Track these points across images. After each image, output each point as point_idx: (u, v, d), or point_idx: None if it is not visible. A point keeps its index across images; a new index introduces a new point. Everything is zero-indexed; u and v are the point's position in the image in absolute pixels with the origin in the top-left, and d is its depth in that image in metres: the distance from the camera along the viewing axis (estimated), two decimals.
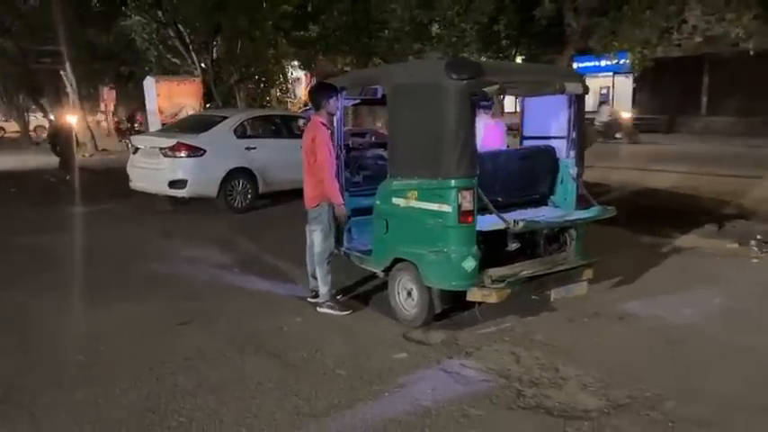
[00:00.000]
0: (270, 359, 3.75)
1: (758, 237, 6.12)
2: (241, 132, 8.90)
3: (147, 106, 21.67)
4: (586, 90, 4.31)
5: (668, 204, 8.22)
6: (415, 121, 4.00)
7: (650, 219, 7.16)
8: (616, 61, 15.20)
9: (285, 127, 9.82)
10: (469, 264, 3.77)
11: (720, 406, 3.07)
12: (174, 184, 8.23)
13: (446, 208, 3.76)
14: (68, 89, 20.54)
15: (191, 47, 20.65)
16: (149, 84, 20.96)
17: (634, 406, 3.08)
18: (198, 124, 9.06)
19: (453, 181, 3.73)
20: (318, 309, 4.54)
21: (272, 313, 4.58)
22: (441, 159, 3.78)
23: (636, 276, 5.09)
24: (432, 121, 3.83)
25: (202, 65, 20.75)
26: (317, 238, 4.52)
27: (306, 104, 27.47)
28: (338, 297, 4.69)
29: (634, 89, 23.14)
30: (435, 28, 10.69)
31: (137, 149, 8.88)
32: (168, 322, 4.40)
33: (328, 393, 3.28)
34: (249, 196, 8.78)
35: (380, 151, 5.66)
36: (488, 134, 5.00)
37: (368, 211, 4.79)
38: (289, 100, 24.87)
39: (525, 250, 4.30)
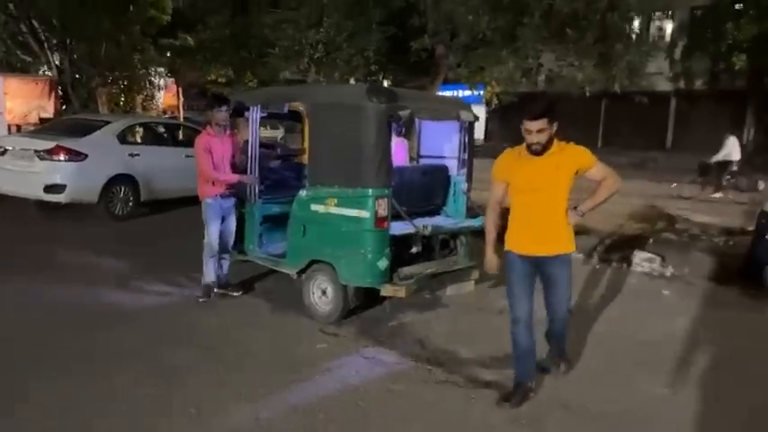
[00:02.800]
0: (204, 353, 3.97)
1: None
2: (124, 138, 8.69)
3: None
4: (476, 118, 5.10)
5: None
6: (335, 137, 4.48)
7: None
8: (475, 92, 16.89)
9: (170, 135, 9.73)
10: (383, 263, 4.31)
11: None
12: (50, 188, 7.82)
13: (364, 214, 4.28)
14: None
15: (45, 44, 19.18)
16: None
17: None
18: (77, 128, 8.67)
19: (371, 190, 4.26)
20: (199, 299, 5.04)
21: (185, 312, 4.75)
22: (360, 171, 4.30)
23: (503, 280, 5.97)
24: (352, 137, 4.34)
25: (58, 64, 19.36)
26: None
27: (164, 112, 26.63)
28: (215, 291, 5.11)
29: (486, 119, 25.52)
30: (319, 50, 11.24)
31: (5, 151, 8.28)
32: (85, 324, 4.40)
33: (264, 380, 3.61)
34: (131, 204, 8.57)
35: (286, 163, 6.09)
36: (395, 151, 5.61)
37: (277, 218, 5.19)
38: (153, 108, 23.90)
39: (423, 253, 4.94)
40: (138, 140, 9.11)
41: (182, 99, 24.65)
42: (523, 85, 12.37)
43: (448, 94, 22.51)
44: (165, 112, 25.24)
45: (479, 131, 24.99)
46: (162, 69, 23.39)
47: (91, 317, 4.58)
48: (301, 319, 4.67)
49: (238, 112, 5.31)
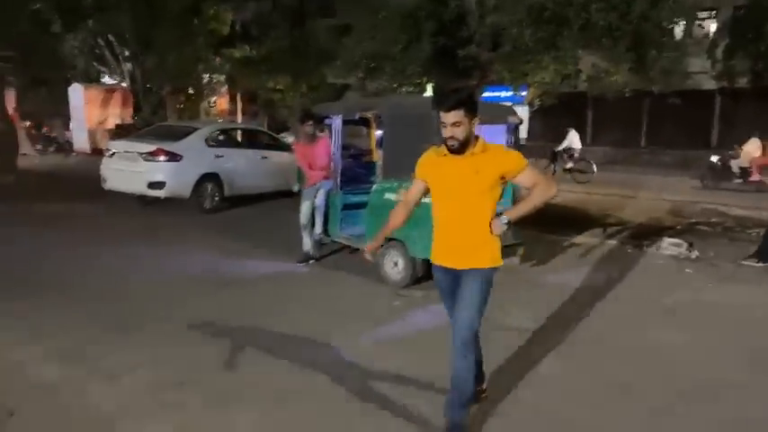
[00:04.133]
0: (307, 307, 5.14)
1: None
2: (211, 142, 10.05)
3: (72, 112, 21.68)
4: (521, 121, 6.12)
5: (564, 214, 10.36)
6: (405, 138, 5.57)
7: (553, 224, 9.18)
8: (518, 94, 17.76)
9: (248, 139, 11.06)
10: None
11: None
12: (153, 185, 9.22)
13: (428, 200, 5.35)
14: None
15: (120, 57, 21.02)
16: (76, 90, 21.05)
17: (569, 324, 4.82)
18: (172, 133, 10.08)
19: None
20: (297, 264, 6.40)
21: (284, 278, 5.94)
22: None
23: (546, 260, 6.96)
24: (419, 138, 5.41)
25: (130, 75, 21.16)
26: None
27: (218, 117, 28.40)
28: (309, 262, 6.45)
29: (530, 119, 26.21)
30: (375, 61, 12.41)
31: (113, 153, 9.75)
32: (207, 288, 5.63)
33: (357, 324, 4.72)
34: (216, 198, 9.92)
35: (356, 161, 7.25)
36: None
37: (354, 206, 6.34)
38: (213, 114, 25.60)
39: None
40: (222, 144, 10.42)
41: (240, 105, 26.22)
42: (564, 86, 13.22)
43: (492, 95, 23.51)
44: (218, 117, 26.99)
45: (523, 131, 25.79)
46: (221, 78, 25.13)
47: (208, 283, 5.79)
48: (378, 285, 5.78)
49: (321, 120, 6.51)
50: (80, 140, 21.18)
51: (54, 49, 19.86)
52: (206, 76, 23.80)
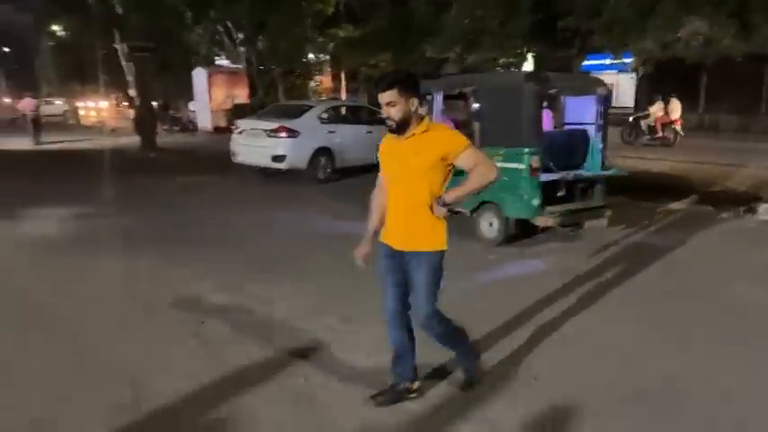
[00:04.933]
0: None
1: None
2: (324, 119, 11.14)
3: (196, 94, 23.90)
4: (609, 92, 6.55)
5: (664, 182, 10.47)
6: (500, 110, 6.24)
7: (649, 192, 9.40)
8: (620, 61, 17.44)
9: (355, 115, 12.08)
10: (536, 201, 6.02)
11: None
12: (276, 158, 10.47)
13: (521, 166, 6.01)
14: (128, 78, 22.62)
15: (236, 42, 22.84)
16: (200, 74, 23.16)
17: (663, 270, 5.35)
18: (291, 111, 11.29)
19: (527, 148, 5.97)
20: None
21: None
22: (519, 134, 6.02)
23: (636, 223, 7.35)
24: (513, 110, 6.06)
25: (246, 58, 22.93)
26: None
27: (321, 94, 29.81)
28: None
29: (636, 88, 25.28)
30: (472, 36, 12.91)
31: (242, 131, 11.12)
32: (336, 242, 6.67)
33: (458, 273, 5.51)
34: (328, 170, 11.03)
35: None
36: (544, 120, 7.22)
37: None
38: (319, 92, 27.06)
39: (567, 196, 6.55)
40: (333, 120, 11.48)
41: (344, 83, 27.46)
42: (669, 53, 12.99)
43: (594, 62, 23.02)
44: (320, 95, 28.44)
45: (629, 99, 24.96)
46: (326, 57, 26.48)
47: (328, 237, 6.80)
48: (474, 243, 6.52)
49: (423, 96, 7.26)
50: (203, 120, 23.35)
51: (180, 37, 21.93)
52: (312, 56, 25.24)
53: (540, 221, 6.13)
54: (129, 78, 18.01)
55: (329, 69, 28.94)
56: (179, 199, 9.35)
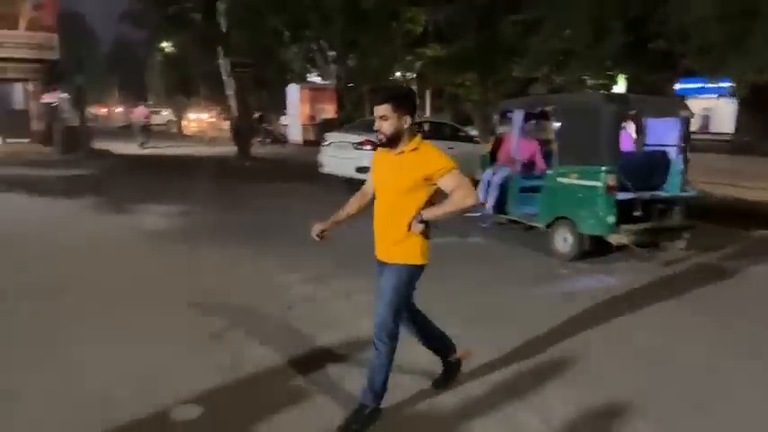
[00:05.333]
0: (483, 268, 6.30)
1: None
2: None
3: (288, 109, 25.23)
4: (692, 115, 6.57)
5: (758, 210, 10.11)
6: (579, 130, 6.42)
7: (739, 218, 9.13)
8: (719, 84, 16.80)
9: (437, 131, 12.49)
10: (611, 219, 6.14)
11: None
12: (360, 169, 11.01)
13: (598, 183, 6.16)
14: (228, 92, 24.26)
15: (328, 59, 23.97)
16: (293, 90, 24.44)
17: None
18: None
19: (604, 167, 6.12)
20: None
21: (467, 247, 7.14)
22: (596, 153, 6.18)
23: (719, 248, 7.23)
24: (593, 130, 6.23)
25: (336, 75, 24.00)
26: None
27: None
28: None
29: (738, 113, 24.08)
30: (561, 57, 13.02)
31: (330, 143, 11.80)
32: None
33: (532, 282, 5.74)
34: None
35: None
36: (623, 140, 7.31)
37: (529, 189, 7.30)
38: None
39: (644, 216, 6.59)
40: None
41: (428, 101, 28.00)
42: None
43: (691, 86, 22.22)
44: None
45: (729, 124, 23.84)
46: (412, 75, 27.17)
47: None
48: (548, 258, 6.70)
49: (505, 114, 7.56)
50: (294, 133, 24.59)
51: (277, 55, 23.29)
52: (399, 74, 25.98)
53: (615, 239, 6.23)
54: (229, 93, 19.43)
55: (415, 87, 29.66)
56: (270, 202, 10.10)
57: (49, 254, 6.35)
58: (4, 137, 20.06)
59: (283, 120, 28.24)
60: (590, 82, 15.93)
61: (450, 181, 2.83)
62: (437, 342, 3.40)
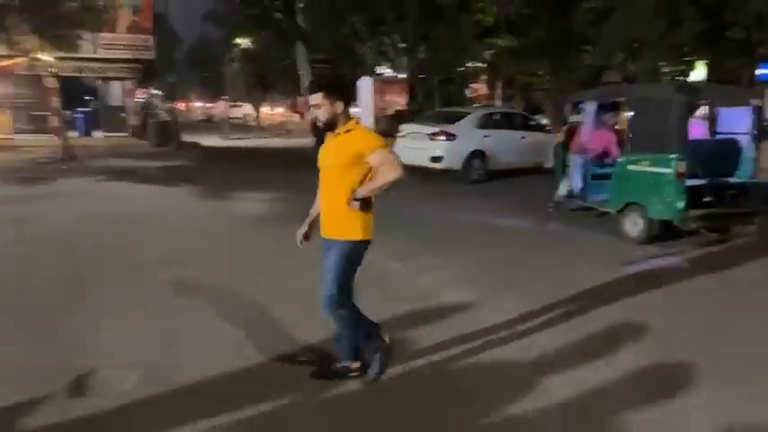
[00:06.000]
0: (555, 252, 6.73)
1: None
2: (480, 124, 12.06)
3: (360, 101, 25.98)
4: (762, 104, 6.74)
5: None
6: (649, 119, 6.72)
7: None
8: None
9: (510, 121, 12.85)
10: (680, 204, 6.42)
11: None
12: (434, 159, 11.58)
13: (668, 170, 6.45)
14: (302, 88, 25.28)
15: (400, 52, 24.51)
16: (365, 83, 25.15)
17: None
18: (449, 117, 12.39)
19: (673, 154, 6.40)
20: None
21: (537, 234, 7.57)
22: (666, 141, 6.47)
23: None
24: (663, 119, 6.52)
25: (408, 67, 24.50)
26: None
27: (472, 101, 30.58)
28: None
29: None
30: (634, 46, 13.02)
31: (405, 134, 12.42)
32: (482, 232, 7.57)
33: (596, 262, 6.14)
34: (481, 172, 11.90)
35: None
36: (694, 129, 7.50)
37: (601, 176, 7.63)
38: (475, 99, 27.97)
39: (714, 201, 6.80)
40: (488, 125, 12.34)
41: (499, 91, 28.06)
42: None
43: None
44: (473, 102, 29.26)
45: None
46: (483, 65, 27.31)
47: (479, 228, 7.70)
48: (618, 241, 7.03)
49: (577, 105, 7.91)
50: (366, 124, 25.30)
51: (352, 49, 24.06)
52: (469, 65, 26.20)
53: (684, 224, 6.51)
54: (305, 87, 20.38)
55: (485, 77, 29.75)
56: None
57: (168, 232, 7.30)
58: (104, 131, 21.96)
59: (354, 112, 29.12)
60: (666, 69, 15.72)
61: (377, 157, 3.03)
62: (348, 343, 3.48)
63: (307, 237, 3.42)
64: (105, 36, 19.79)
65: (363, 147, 3.05)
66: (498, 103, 27.11)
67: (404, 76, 24.63)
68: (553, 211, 8.30)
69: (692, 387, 3.43)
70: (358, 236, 3.13)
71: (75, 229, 7.44)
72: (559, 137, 8.30)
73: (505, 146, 12.05)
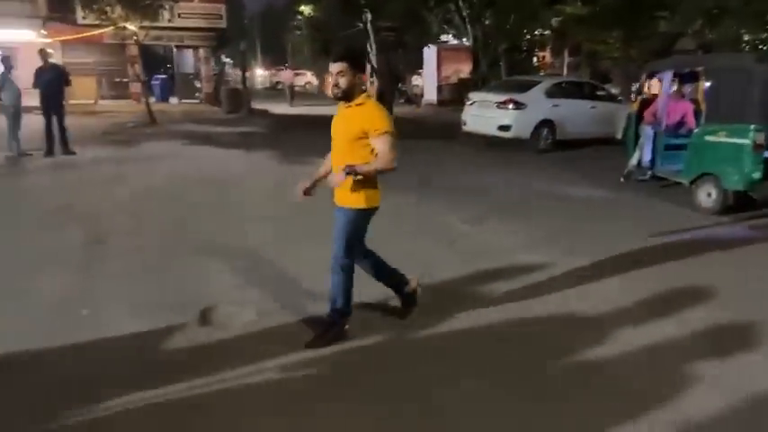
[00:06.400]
0: (623, 220, 6.88)
1: None
2: (549, 93, 12.05)
3: (425, 70, 26.04)
4: None
5: None
6: (728, 90, 6.69)
7: None
8: None
9: (580, 91, 12.76)
10: (757, 175, 6.43)
11: None
12: (502, 128, 11.71)
13: (745, 141, 6.44)
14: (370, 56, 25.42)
15: (465, 20, 24.30)
16: (430, 52, 25.18)
17: None
18: (519, 85, 12.43)
19: (752, 125, 6.39)
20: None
21: (604, 202, 7.70)
22: (744, 112, 6.45)
23: None
24: (740, 90, 6.48)
25: (473, 36, 24.29)
26: None
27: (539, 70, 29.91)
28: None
29: None
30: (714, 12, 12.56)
31: (473, 102, 12.56)
32: (560, 201, 7.77)
33: (677, 230, 6.26)
34: (549, 141, 11.94)
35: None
36: None
37: (674, 147, 7.66)
38: (541, 67, 27.43)
39: None
40: (558, 94, 12.31)
41: (566, 59, 27.42)
42: None
43: None
44: (540, 70, 28.67)
45: None
46: (549, 33, 26.70)
47: (547, 197, 7.87)
48: (690, 211, 7.07)
49: (653, 75, 7.89)
50: (430, 93, 25.42)
51: (418, 17, 24.02)
52: (536, 33, 25.69)
53: (759, 195, 6.52)
54: (371, 55, 20.63)
55: (550, 45, 29.07)
56: (421, 157, 11.13)
57: (254, 195, 7.88)
58: (178, 98, 22.99)
59: (414, 80, 29.16)
60: (747, 37, 15.05)
61: (380, 143, 3.15)
62: (387, 278, 3.79)
63: (307, 192, 3.57)
64: (182, 5, 20.58)
65: (369, 125, 3.16)
66: (564, 71, 26.51)
67: (467, 44, 24.48)
68: (624, 181, 8.38)
69: (758, 344, 3.64)
70: (361, 204, 3.30)
71: (172, 187, 8.13)
72: (634, 107, 8.32)
73: (574, 116, 12.01)
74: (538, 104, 11.77)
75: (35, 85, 10.36)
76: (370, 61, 21.53)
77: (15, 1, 19.84)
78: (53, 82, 10.27)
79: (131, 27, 16.19)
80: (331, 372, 3.23)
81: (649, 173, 8.13)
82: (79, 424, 2.70)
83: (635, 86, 11.06)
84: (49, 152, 10.36)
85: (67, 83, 10.56)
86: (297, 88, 33.22)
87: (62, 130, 10.53)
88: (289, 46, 48.38)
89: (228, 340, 3.57)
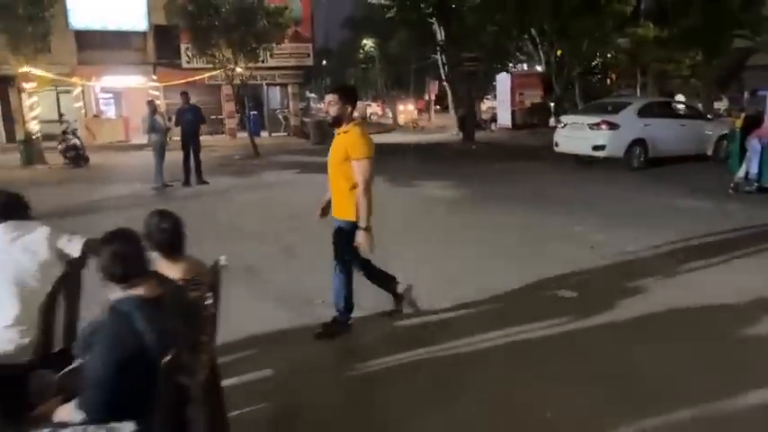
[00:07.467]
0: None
1: None
2: (641, 113, 12.57)
3: (499, 95, 26.83)
4: None
5: None
6: None
7: None
8: None
9: (669, 110, 13.22)
10: None
11: None
12: (596, 148, 12.28)
13: None
14: (444, 84, 26.42)
15: (539, 46, 24.99)
16: (504, 78, 25.97)
17: None
18: (611, 107, 13.01)
19: None
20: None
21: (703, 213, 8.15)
22: None
23: None
24: None
25: (546, 61, 24.90)
26: None
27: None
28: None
29: None
30: None
31: (565, 125, 13.22)
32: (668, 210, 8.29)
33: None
34: (641, 159, 12.41)
35: None
36: None
37: None
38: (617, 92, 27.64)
39: None
40: (649, 114, 12.78)
41: (639, 80, 27.54)
42: None
43: None
44: (615, 92, 28.74)
45: None
46: (622, 56, 26.94)
47: (655, 206, 8.38)
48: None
49: (755, 92, 8.40)
50: (504, 118, 26.14)
51: (499, 47, 24.88)
52: (608, 56, 26.04)
53: None
54: (445, 84, 21.60)
55: (622, 67, 29.22)
56: (513, 177, 11.91)
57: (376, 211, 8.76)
58: (269, 132, 24.63)
59: (484, 106, 29.98)
60: None
61: (357, 167, 3.66)
62: (378, 279, 4.29)
63: (324, 214, 4.15)
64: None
65: (351, 152, 3.66)
66: (637, 92, 26.66)
67: (539, 69, 25.09)
68: (733, 192, 8.82)
69: None
70: (353, 217, 3.79)
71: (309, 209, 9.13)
72: (738, 123, 8.81)
73: (666, 134, 12.46)
74: (630, 124, 12.29)
75: (177, 123, 11.74)
76: (445, 91, 22.59)
77: (130, 51, 22.05)
78: (193, 120, 11.63)
79: (239, 69, 17.75)
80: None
81: (756, 185, 8.55)
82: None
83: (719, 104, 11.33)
84: (186, 182, 11.64)
85: (203, 121, 11.92)
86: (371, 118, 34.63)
87: (198, 162, 11.83)
88: (357, 79, 50.38)
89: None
